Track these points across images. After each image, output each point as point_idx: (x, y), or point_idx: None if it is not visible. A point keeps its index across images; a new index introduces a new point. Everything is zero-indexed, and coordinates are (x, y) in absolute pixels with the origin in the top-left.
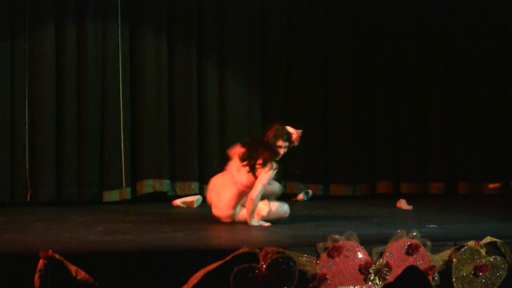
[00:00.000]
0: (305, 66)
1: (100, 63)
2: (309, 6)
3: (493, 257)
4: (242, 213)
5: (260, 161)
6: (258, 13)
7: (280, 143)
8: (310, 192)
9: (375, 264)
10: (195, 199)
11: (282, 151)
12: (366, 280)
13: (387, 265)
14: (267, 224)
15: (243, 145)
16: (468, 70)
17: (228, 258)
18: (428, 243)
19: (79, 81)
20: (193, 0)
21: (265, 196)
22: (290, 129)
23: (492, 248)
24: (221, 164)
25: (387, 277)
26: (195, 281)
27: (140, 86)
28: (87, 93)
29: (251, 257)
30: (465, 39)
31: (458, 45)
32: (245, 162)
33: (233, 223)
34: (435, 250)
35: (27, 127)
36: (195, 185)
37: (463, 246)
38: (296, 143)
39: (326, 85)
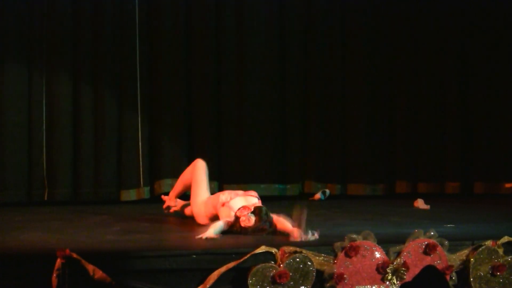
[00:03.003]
0: (323, 65)
1: (117, 58)
2: (327, 6)
3: (510, 256)
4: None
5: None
6: (275, 11)
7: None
8: (328, 191)
9: (392, 263)
10: None
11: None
12: (383, 279)
13: (405, 264)
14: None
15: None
16: (484, 69)
17: (245, 257)
18: (446, 242)
19: (96, 79)
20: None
21: None
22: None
23: (509, 247)
24: (239, 163)
25: (405, 277)
26: (212, 281)
27: (158, 84)
28: (104, 91)
29: (269, 256)
30: (481, 38)
31: (474, 44)
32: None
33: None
34: (452, 249)
35: (44, 127)
36: (214, 185)
37: (481, 245)
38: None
39: (344, 85)
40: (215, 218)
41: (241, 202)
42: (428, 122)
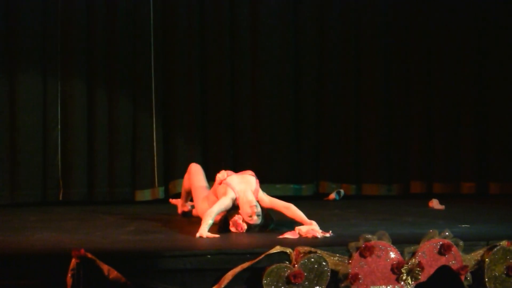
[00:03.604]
0: (338, 65)
1: (131, 58)
2: (342, 5)
3: None
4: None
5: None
6: (290, 10)
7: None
8: (342, 191)
9: (407, 263)
10: None
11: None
12: (398, 279)
13: (419, 265)
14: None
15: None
16: (499, 69)
17: (260, 257)
18: (461, 243)
19: (110, 80)
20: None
21: None
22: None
23: None
24: (254, 163)
25: (419, 277)
26: (227, 281)
27: (172, 85)
28: (118, 92)
29: (283, 256)
30: (498, 38)
31: (490, 44)
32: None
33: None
34: (467, 250)
35: (59, 127)
36: None
37: (496, 246)
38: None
39: (359, 85)
40: None
41: (238, 180)
42: (443, 122)
